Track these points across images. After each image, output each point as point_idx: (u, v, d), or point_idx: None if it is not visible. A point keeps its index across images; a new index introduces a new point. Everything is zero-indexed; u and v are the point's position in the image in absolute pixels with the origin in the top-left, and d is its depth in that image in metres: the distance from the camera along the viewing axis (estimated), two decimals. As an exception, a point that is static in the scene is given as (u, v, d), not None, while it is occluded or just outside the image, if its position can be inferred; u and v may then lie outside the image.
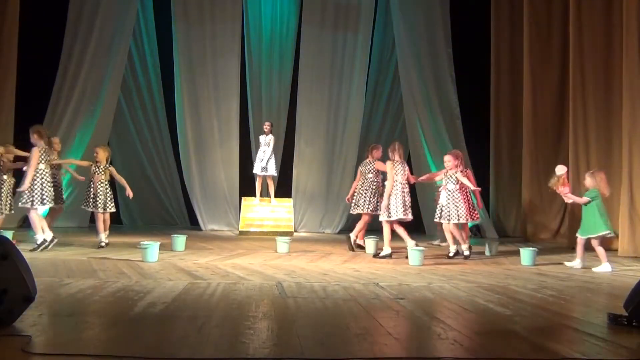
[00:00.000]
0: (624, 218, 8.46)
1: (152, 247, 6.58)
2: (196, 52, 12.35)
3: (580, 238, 6.99)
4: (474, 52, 12.47)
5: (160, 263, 6.44)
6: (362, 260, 7.33)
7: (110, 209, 8.04)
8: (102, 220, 7.98)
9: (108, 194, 7.98)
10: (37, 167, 7.35)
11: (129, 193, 8.12)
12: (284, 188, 12.32)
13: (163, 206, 13.21)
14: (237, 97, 12.45)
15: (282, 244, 8.04)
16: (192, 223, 12.66)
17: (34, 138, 7.47)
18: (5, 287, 3.24)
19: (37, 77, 11.16)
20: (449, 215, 7.61)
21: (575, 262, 6.99)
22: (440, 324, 3.67)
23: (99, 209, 7.91)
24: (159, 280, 5.18)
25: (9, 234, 7.17)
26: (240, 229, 11.33)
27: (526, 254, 7.19)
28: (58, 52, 11.54)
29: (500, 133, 12.35)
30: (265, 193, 11.73)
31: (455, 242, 7.69)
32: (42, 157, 7.43)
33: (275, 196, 11.66)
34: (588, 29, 9.63)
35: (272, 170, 11.37)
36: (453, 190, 7.68)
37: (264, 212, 11.54)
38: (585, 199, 6.92)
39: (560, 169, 7.53)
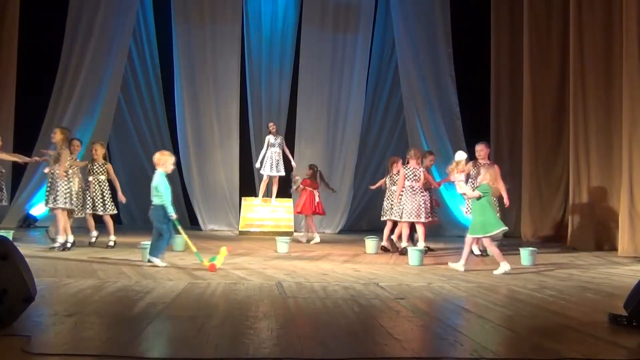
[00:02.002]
0: (624, 218, 8.45)
1: (152, 247, 6.56)
2: (196, 52, 12.34)
3: (470, 237, 6.45)
4: (474, 52, 12.47)
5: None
6: (362, 260, 7.33)
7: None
8: None
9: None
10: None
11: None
12: (284, 188, 12.31)
13: (163, 206, 13.18)
14: (237, 97, 12.45)
15: (282, 244, 8.04)
16: (192, 223, 12.64)
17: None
18: (5, 287, 3.24)
19: (37, 77, 11.16)
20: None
21: (459, 264, 6.37)
22: (440, 324, 3.67)
23: None
24: (159, 280, 5.18)
25: (9, 234, 7.17)
26: (240, 229, 11.33)
27: (526, 254, 7.19)
28: (58, 52, 11.54)
29: (500, 133, 12.34)
30: (267, 193, 11.73)
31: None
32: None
33: (276, 196, 11.67)
34: (588, 29, 9.62)
35: (282, 171, 11.36)
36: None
37: (264, 212, 11.54)
38: (477, 193, 6.27)
39: (460, 155, 6.95)
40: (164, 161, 6.40)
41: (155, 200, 6.24)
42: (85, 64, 11.59)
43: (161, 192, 6.21)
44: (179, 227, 6.39)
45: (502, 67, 12.30)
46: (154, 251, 6.19)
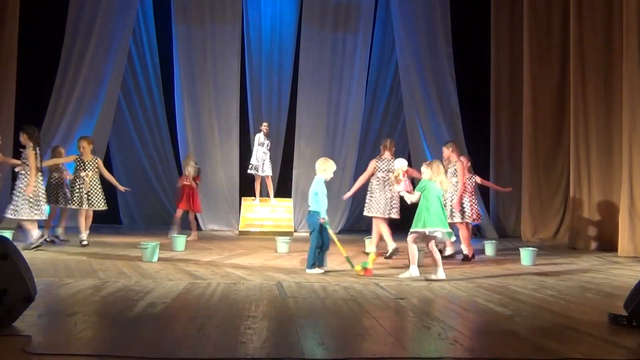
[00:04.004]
0: (624, 218, 8.45)
1: (152, 247, 6.58)
2: (196, 52, 12.35)
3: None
4: (474, 52, 12.47)
5: (160, 263, 6.44)
6: (362, 260, 7.32)
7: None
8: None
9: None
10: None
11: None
12: (284, 188, 12.32)
13: (163, 206, 13.20)
14: (237, 97, 12.45)
15: (282, 244, 8.04)
16: (192, 223, 12.64)
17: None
18: (5, 287, 3.24)
19: (37, 77, 11.16)
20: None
21: (438, 272, 5.67)
22: (440, 324, 3.67)
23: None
24: (159, 280, 5.18)
25: (9, 234, 7.17)
26: (240, 229, 11.34)
27: (526, 254, 7.19)
28: (58, 52, 11.54)
29: (500, 133, 12.35)
30: (264, 193, 11.75)
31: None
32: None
33: (275, 196, 11.68)
34: (588, 29, 9.63)
35: (270, 171, 11.43)
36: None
37: (264, 212, 11.55)
38: (417, 194, 5.78)
39: (399, 162, 6.63)
40: (326, 167, 6.36)
41: (313, 206, 6.21)
42: (85, 64, 11.59)
43: (319, 198, 6.17)
44: (330, 231, 6.30)
45: (502, 67, 12.32)
46: (310, 262, 6.15)
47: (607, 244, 9.23)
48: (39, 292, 3.69)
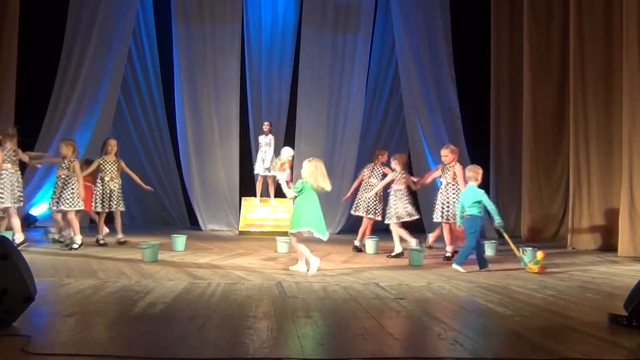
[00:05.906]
0: (624, 218, 8.45)
1: (152, 247, 6.58)
2: (196, 52, 12.34)
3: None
4: (474, 52, 12.47)
5: (160, 263, 6.44)
6: (362, 261, 7.33)
7: (77, 206, 7.77)
8: (68, 219, 7.83)
9: (74, 190, 7.71)
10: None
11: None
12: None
13: (163, 206, 13.20)
14: (237, 97, 12.44)
15: (282, 244, 8.04)
16: (192, 223, 12.65)
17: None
18: (5, 287, 3.24)
19: (37, 77, 11.15)
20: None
21: (299, 265, 6.14)
22: (440, 324, 3.67)
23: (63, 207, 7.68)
24: (159, 280, 5.18)
25: (8, 234, 7.17)
26: (240, 229, 11.33)
27: (526, 254, 7.18)
28: (58, 52, 11.53)
29: (500, 133, 12.35)
30: (265, 193, 11.75)
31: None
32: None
33: (275, 196, 11.68)
34: (588, 29, 9.64)
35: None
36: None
37: (264, 212, 11.54)
38: (293, 193, 6.13)
39: (285, 152, 6.93)
40: (478, 175, 6.70)
41: (475, 212, 6.43)
42: (85, 64, 11.58)
43: (486, 204, 6.47)
44: (504, 234, 6.88)
45: (502, 68, 12.32)
46: (461, 259, 6.43)
47: (607, 244, 9.23)
48: (39, 292, 3.69)
